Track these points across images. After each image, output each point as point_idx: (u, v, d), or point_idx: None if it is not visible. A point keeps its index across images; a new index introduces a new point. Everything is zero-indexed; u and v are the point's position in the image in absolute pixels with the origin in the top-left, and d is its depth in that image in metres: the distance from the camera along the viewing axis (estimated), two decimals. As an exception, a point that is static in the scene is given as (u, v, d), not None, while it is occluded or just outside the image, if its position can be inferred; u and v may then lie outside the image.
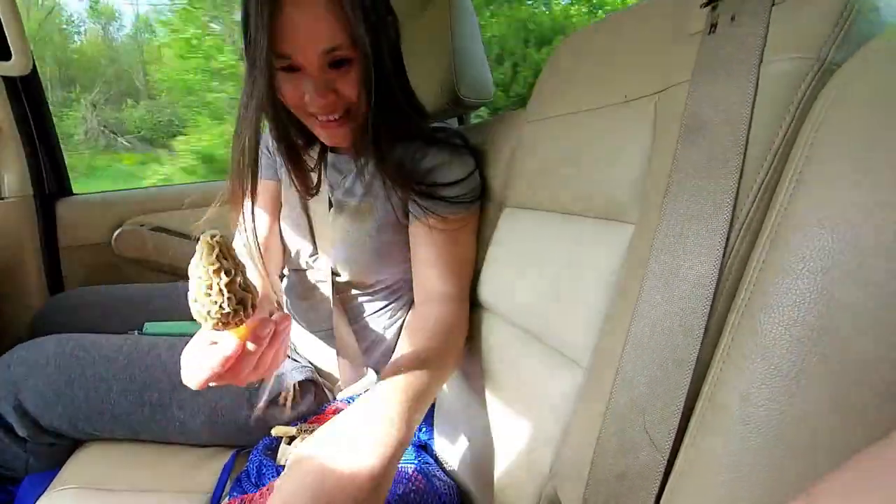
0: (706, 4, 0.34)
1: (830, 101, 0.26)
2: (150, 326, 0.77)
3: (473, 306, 0.59)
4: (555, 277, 0.46)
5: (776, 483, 0.24)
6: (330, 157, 0.65)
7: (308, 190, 0.63)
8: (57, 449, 0.63)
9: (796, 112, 0.28)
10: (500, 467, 0.47)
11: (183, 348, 0.67)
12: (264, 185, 0.68)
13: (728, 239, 0.29)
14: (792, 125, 0.28)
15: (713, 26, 0.33)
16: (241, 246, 0.67)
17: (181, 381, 0.61)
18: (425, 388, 0.43)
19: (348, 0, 0.47)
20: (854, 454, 0.18)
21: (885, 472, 0.17)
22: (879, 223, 0.22)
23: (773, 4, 0.30)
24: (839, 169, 0.25)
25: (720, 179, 0.30)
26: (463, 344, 0.56)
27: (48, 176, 1.09)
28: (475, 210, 0.61)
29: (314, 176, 0.65)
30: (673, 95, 0.36)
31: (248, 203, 0.57)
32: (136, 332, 0.76)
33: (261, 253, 0.60)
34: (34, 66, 0.96)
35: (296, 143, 0.60)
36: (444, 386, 0.62)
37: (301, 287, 0.70)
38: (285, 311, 0.72)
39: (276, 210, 0.70)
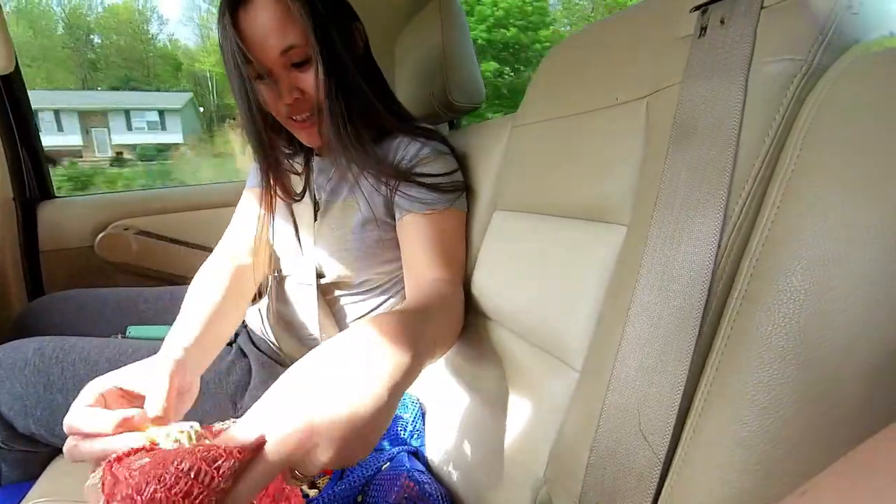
0: (696, 9, 0.35)
1: (819, 103, 0.27)
2: (133, 331, 0.75)
3: (465, 308, 0.58)
4: (547, 280, 0.46)
5: (773, 481, 0.24)
6: (315, 161, 0.66)
7: (290, 195, 0.63)
8: (33, 457, 0.61)
9: (786, 113, 0.28)
10: (493, 472, 0.47)
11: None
12: (254, 192, 0.69)
13: (721, 239, 0.29)
14: (782, 126, 0.28)
15: (703, 30, 0.34)
16: (228, 244, 0.67)
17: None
18: (425, 333, 0.38)
19: (298, 3, 0.50)
20: (848, 450, 0.18)
21: (879, 468, 0.17)
22: (868, 220, 0.23)
23: (762, 8, 0.30)
24: (828, 168, 0.25)
25: (712, 180, 0.30)
26: (459, 322, 0.55)
27: (30, 178, 1.07)
28: (462, 206, 0.61)
29: (297, 181, 0.65)
30: (664, 98, 0.37)
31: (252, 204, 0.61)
32: (119, 336, 0.74)
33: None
34: (17, 64, 0.94)
35: (273, 150, 0.60)
36: (435, 390, 0.61)
37: (286, 290, 0.69)
38: (269, 316, 0.71)
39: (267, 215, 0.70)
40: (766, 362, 0.25)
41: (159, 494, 0.22)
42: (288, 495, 0.36)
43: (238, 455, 0.25)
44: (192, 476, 0.23)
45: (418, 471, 0.53)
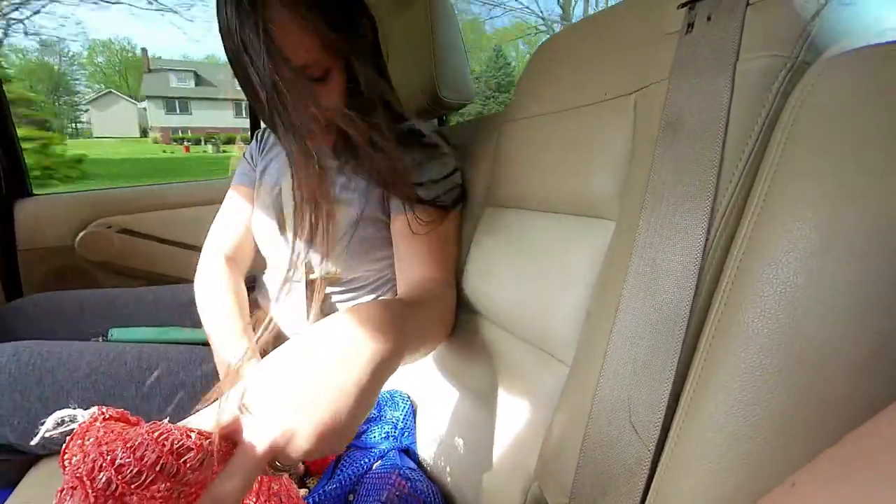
0: (683, 5, 0.35)
1: (801, 99, 0.27)
2: (116, 333, 0.73)
3: (456, 305, 0.58)
4: (537, 275, 0.46)
5: (761, 473, 0.24)
6: None
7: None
8: (11, 465, 0.59)
9: (770, 109, 0.29)
10: (485, 468, 0.47)
11: (151, 356, 0.65)
12: (239, 191, 0.71)
13: (708, 234, 0.29)
14: (767, 121, 0.29)
15: (690, 26, 0.34)
16: (216, 242, 0.67)
17: (150, 391, 0.59)
18: (411, 324, 0.38)
19: (313, 20, 0.47)
20: (833, 443, 0.19)
21: (864, 458, 0.17)
22: (850, 214, 0.23)
23: (747, 4, 0.31)
24: (811, 163, 0.25)
25: (699, 175, 0.30)
26: (449, 322, 0.55)
27: (6, 176, 1.03)
28: (457, 207, 0.60)
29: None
30: (652, 93, 0.37)
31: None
32: (101, 338, 0.72)
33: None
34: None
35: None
36: (426, 387, 0.61)
37: (274, 288, 0.68)
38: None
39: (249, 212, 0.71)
40: (752, 355, 0.25)
41: (114, 484, 0.21)
42: (287, 491, 0.35)
43: (209, 448, 0.24)
44: (157, 469, 0.22)
45: (409, 468, 0.53)
